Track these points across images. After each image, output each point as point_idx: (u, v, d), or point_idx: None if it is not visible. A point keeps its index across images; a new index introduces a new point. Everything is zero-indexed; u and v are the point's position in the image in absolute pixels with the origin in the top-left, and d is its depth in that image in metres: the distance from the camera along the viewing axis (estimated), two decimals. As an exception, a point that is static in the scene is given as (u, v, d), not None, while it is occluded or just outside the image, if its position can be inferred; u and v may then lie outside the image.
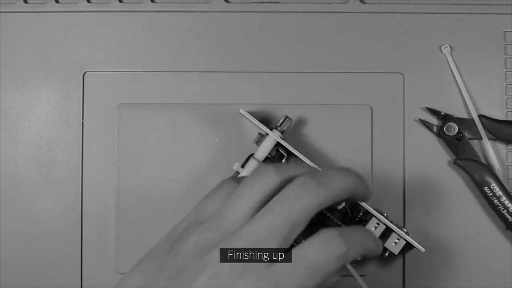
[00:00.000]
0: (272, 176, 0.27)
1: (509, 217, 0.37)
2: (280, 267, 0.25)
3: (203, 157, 0.38)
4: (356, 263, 0.38)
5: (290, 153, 0.35)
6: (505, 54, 0.39)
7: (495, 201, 0.37)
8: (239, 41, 0.39)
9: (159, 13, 0.39)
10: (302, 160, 0.36)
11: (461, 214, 0.38)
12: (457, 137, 0.38)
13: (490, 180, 0.37)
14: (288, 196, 0.26)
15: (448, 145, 0.38)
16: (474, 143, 0.39)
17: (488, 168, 0.38)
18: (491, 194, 0.37)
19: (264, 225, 0.25)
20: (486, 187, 0.37)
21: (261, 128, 0.36)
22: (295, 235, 0.26)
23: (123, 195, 0.38)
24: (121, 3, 0.39)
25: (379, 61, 0.39)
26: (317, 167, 0.35)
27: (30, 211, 0.38)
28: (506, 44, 0.39)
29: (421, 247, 0.35)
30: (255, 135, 0.38)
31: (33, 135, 0.39)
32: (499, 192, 0.37)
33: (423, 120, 0.38)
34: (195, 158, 0.38)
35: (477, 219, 0.39)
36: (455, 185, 0.39)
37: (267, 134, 0.35)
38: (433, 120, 0.39)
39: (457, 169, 0.38)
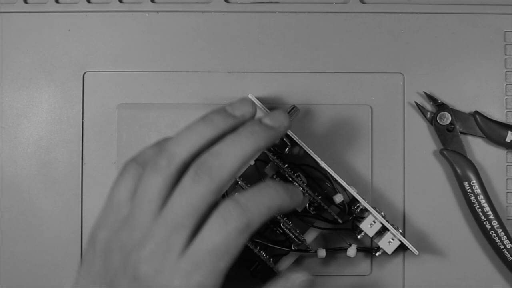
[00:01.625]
0: (165, 168, 0.27)
1: (483, 216, 0.37)
2: (186, 259, 0.25)
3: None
4: (351, 263, 0.38)
5: (293, 143, 0.35)
6: (505, 54, 0.39)
7: (472, 198, 0.37)
8: (239, 41, 0.39)
9: (159, 13, 0.39)
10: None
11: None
12: (448, 127, 0.38)
13: (471, 176, 0.37)
14: (184, 188, 0.26)
15: (438, 133, 0.38)
16: (466, 139, 0.39)
17: (472, 164, 0.38)
18: (469, 191, 0.37)
19: (168, 221, 0.26)
20: (466, 183, 0.37)
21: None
22: (199, 222, 0.26)
23: (123, 195, 0.38)
24: (121, 3, 0.39)
25: (379, 61, 0.39)
26: (320, 160, 0.35)
27: (30, 211, 0.38)
28: (506, 44, 0.39)
29: (415, 249, 0.35)
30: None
31: (33, 135, 0.39)
32: (477, 190, 0.37)
33: (419, 104, 0.38)
34: (195, 158, 0.38)
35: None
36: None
37: None
38: (429, 107, 0.39)
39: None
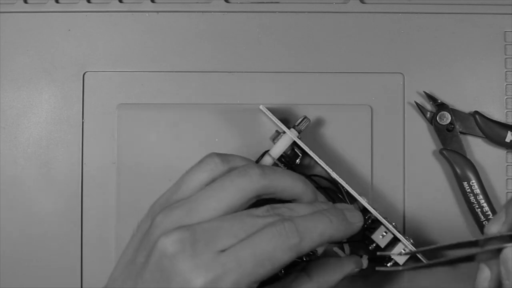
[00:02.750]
0: (256, 181, 0.27)
1: (482, 216, 0.37)
2: (229, 255, 0.25)
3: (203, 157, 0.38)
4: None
5: (304, 153, 0.35)
6: (505, 54, 0.39)
7: (472, 198, 0.37)
8: (239, 41, 0.39)
9: (159, 13, 0.39)
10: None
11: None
12: (448, 127, 0.38)
13: (471, 176, 0.37)
14: (254, 213, 0.27)
15: (438, 133, 0.38)
16: (466, 139, 0.39)
17: (472, 164, 0.38)
18: (469, 190, 0.37)
19: (228, 226, 0.26)
20: (466, 183, 0.37)
21: (278, 126, 0.35)
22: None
23: (123, 195, 0.38)
24: (121, 3, 0.39)
25: (379, 61, 0.39)
26: (331, 171, 0.35)
27: (30, 211, 0.38)
28: (506, 44, 0.39)
29: (425, 259, 0.35)
30: (254, 135, 0.38)
31: (33, 135, 0.39)
32: (477, 190, 0.37)
33: (419, 104, 0.39)
34: (195, 158, 0.38)
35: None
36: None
37: (284, 132, 0.35)
38: (429, 107, 0.39)
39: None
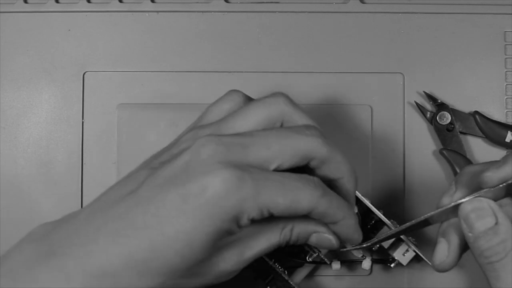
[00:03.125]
0: (283, 102, 0.28)
1: None
2: (257, 173, 0.25)
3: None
4: (351, 263, 0.38)
5: None
6: (505, 54, 0.39)
7: None
8: (239, 41, 0.39)
9: (159, 13, 0.39)
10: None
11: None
12: (448, 127, 0.38)
13: None
14: (291, 128, 0.27)
15: (438, 133, 0.38)
16: (466, 139, 0.39)
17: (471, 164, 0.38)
18: None
19: (261, 137, 0.26)
20: None
21: None
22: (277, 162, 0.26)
23: (123, 195, 0.38)
24: (121, 3, 0.39)
25: (379, 61, 0.39)
26: None
27: (30, 211, 0.38)
28: (506, 44, 0.39)
29: (429, 261, 0.35)
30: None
31: (33, 135, 0.39)
32: None
33: (419, 104, 0.39)
34: (195, 158, 0.38)
35: None
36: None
37: None
38: (429, 107, 0.39)
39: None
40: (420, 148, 0.39)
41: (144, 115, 0.39)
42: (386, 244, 0.35)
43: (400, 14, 0.39)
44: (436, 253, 0.30)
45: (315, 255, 0.35)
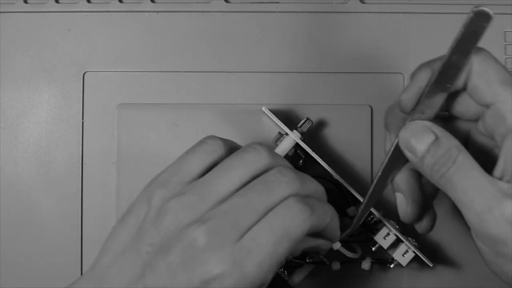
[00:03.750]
0: (265, 156, 0.27)
1: None
2: (249, 238, 0.25)
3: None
4: (351, 263, 0.38)
5: (307, 155, 0.35)
6: (505, 54, 0.39)
7: None
8: (239, 41, 0.39)
9: (159, 13, 0.39)
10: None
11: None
12: None
13: None
14: (268, 180, 0.26)
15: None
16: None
17: None
18: None
19: (245, 202, 0.26)
20: None
21: (281, 128, 0.35)
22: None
23: (123, 195, 0.38)
24: (121, 3, 0.39)
25: (379, 61, 0.39)
26: (334, 173, 0.35)
27: (30, 211, 0.38)
28: (506, 44, 0.39)
29: (429, 262, 0.35)
30: (253, 135, 0.38)
31: (33, 135, 0.39)
32: None
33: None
34: (195, 158, 0.38)
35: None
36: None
37: (286, 134, 0.35)
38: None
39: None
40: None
41: (144, 115, 0.39)
42: (385, 245, 0.35)
43: (400, 14, 0.39)
44: (398, 207, 0.33)
45: (315, 255, 0.35)
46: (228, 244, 0.25)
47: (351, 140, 0.39)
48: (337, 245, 0.35)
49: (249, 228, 0.25)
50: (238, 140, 0.38)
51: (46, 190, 0.39)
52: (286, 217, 0.26)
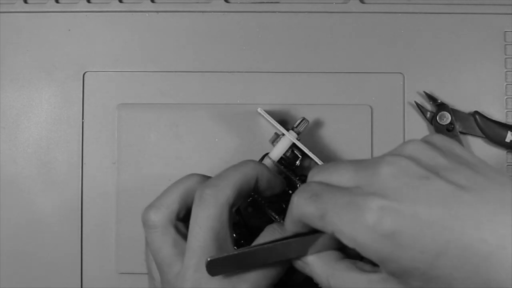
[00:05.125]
0: (153, 220, 0.28)
1: None
2: None
3: (203, 157, 0.38)
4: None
5: (304, 155, 0.35)
6: (505, 54, 0.39)
7: None
8: (239, 41, 0.39)
9: (159, 13, 0.39)
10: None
11: None
12: (448, 127, 0.38)
13: None
14: (196, 215, 0.27)
15: (438, 133, 0.38)
16: (466, 139, 0.39)
17: None
18: None
19: (197, 249, 0.27)
20: None
21: (277, 128, 0.35)
22: (224, 235, 0.27)
23: (123, 195, 0.38)
24: (121, 3, 0.39)
25: (379, 61, 0.39)
26: None
27: (30, 211, 0.38)
28: (506, 44, 0.39)
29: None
30: (253, 135, 0.38)
31: (33, 135, 0.39)
32: None
33: (419, 104, 0.39)
34: (195, 158, 0.38)
35: None
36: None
37: (283, 134, 0.35)
38: (429, 107, 0.39)
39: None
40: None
41: (144, 115, 0.39)
42: None
43: (400, 14, 0.39)
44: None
45: None
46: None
47: (351, 140, 0.39)
48: None
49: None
50: (238, 140, 0.38)
51: (46, 190, 0.39)
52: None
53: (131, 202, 0.38)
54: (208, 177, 0.30)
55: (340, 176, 0.24)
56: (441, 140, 0.24)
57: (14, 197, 0.38)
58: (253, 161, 0.29)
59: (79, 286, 0.38)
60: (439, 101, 0.38)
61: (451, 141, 0.24)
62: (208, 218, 0.27)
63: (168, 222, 0.28)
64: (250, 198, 0.35)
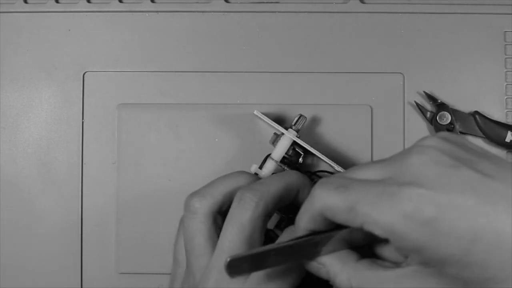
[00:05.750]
0: (199, 208, 0.29)
1: None
2: (249, 281, 0.27)
3: (203, 157, 0.38)
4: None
5: (306, 151, 0.35)
6: (505, 54, 0.39)
7: None
8: (239, 41, 0.39)
9: (159, 13, 0.39)
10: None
11: None
12: (448, 127, 0.38)
13: None
14: (232, 215, 0.28)
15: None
16: (466, 138, 0.38)
17: None
18: None
19: (225, 249, 0.27)
20: None
21: (276, 128, 0.35)
22: (255, 240, 0.28)
23: (123, 195, 0.38)
24: (121, 3, 0.39)
25: (379, 61, 0.39)
26: (335, 164, 0.35)
27: (30, 211, 0.38)
28: (506, 44, 0.39)
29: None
30: (253, 134, 0.38)
31: (33, 135, 0.39)
32: None
33: (419, 104, 0.39)
34: (194, 158, 0.38)
35: None
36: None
37: (282, 134, 0.35)
38: (429, 107, 0.39)
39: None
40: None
41: (144, 115, 0.39)
42: None
43: (400, 14, 0.39)
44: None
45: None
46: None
47: (351, 140, 0.39)
48: None
49: None
50: (238, 140, 0.38)
51: (46, 190, 0.39)
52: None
53: (131, 202, 0.38)
54: (257, 178, 0.30)
55: (366, 171, 0.25)
56: (454, 136, 0.25)
57: (14, 197, 0.38)
58: (297, 173, 0.30)
59: (79, 286, 0.38)
60: (439, 101, 0.38)
61: (463, 137, 0.25)
62: (242, 221, 0.27)
63: (209, 212, 0.29)
64: None
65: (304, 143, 0.35)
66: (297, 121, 0.35)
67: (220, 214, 0.29)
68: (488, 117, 0.38)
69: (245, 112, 0.38)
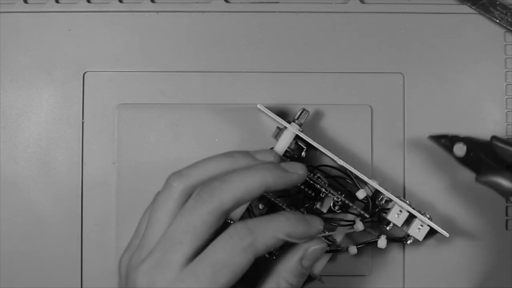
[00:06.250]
0: (174, 187, 0.29)
1: None
2: (186, 272, 0.26)
3: (203, 157, 0.38)
4: (351, 263, 0.38)
5: (309, 145, 0.35)
6: (505, 54, 0.39)
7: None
8: (239, 41, 0.39)
9: (159, 13, 0.39)
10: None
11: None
12: (467, 157, 0.35)
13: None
14: (185, 208, 0.28)
15: (464, 165, 0.35)
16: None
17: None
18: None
19: (168, 238, 0.27)
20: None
21: (279, 122, 0.35)
22: (200, 241, 0.27)
23: (123, 195, 0.38)
24: (121, 3, 0.39)
25: (379, 61, 0.39)
26: (337, 158, 0.35)
27: (30, 211, 0.38)
28: (506, 44, 0.39)
29: (445, 232, 0.35)
30: (254, 135, 0.38)
31: (33, 135, 0.39)
32: None
33: (434, 137, 0.36)
34: (195, 158, 0.38)
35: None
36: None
37: (285, 127, 0.35)
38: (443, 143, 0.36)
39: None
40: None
41: (144, 115, 0.39)
42: (399, 222, 0.34)
43: (400, 14, 0.39)
44: None
45: (331, 243, 0.35)
46: (165, 280, 0.26)
47: (351, 140, 0.39)
48: (353, 250, 0.36)
49: (187, 261, 0.26)
50: (238, 140, 0.38)
51: (46, 190, 0.39)
52: (225, 248, 0.26)
53: (131, 202, 0.38)
54: (250, 155, 0.30)
55: None
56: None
57: (14, 197, 0.38)
58: (275, 166, 0.29)
59: (79, 286, 0.38)
60: (448, 135, 0.36)
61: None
62: (192, 216, 0.27)
63: (182, 192, 0.29)
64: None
65: (306, 137, 0.35)
66: (300, 115, 0.35)
67: None
68: (506, 139, 0.36)
69: (245, 112, 0.38)
